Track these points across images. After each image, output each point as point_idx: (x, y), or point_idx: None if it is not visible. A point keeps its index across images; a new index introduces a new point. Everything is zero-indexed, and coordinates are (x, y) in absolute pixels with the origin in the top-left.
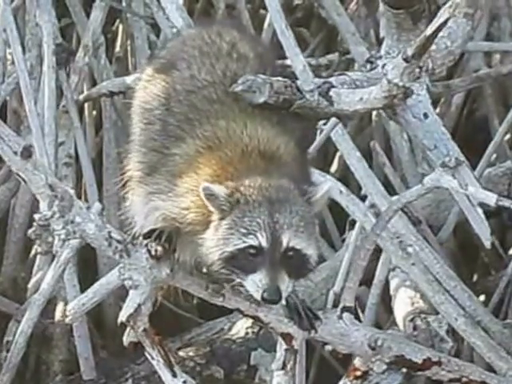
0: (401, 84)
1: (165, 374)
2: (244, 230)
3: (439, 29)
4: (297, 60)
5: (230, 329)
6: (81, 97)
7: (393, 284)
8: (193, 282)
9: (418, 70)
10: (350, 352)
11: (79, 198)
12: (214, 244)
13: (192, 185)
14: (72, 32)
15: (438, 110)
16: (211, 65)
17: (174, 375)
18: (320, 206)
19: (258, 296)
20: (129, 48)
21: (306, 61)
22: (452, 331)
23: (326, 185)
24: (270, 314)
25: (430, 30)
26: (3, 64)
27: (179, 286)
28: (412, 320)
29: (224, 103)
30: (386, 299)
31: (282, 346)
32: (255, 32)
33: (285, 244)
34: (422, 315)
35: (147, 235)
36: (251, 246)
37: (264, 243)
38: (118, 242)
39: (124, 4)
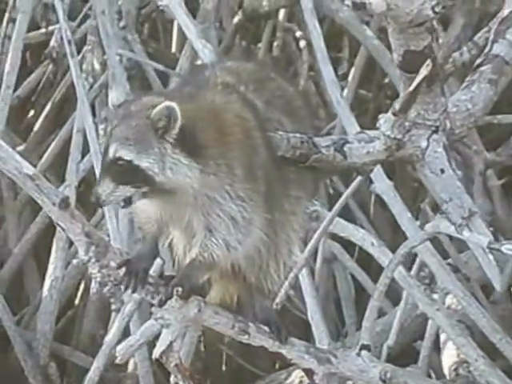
0: (392, 136)
1: None
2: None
3: (420, 85)
4: (352, 128)
5: (286, 378)
6: None
7: (442, 337)
8: (220, 320)
9: (407, 123)
10: None
11: None
12: None
13: None
14: None
15: None
16: None
17: None
18: (164, 124)
19: None
20: None
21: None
22: None
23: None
24: (292, 350)
25: (412, 87)
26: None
27: (207, 324)
28: (456, 369)
29: None
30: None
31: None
32: None
33: (111, 154)
34: (465, 364)
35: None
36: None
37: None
38: (150, 284)
39: None
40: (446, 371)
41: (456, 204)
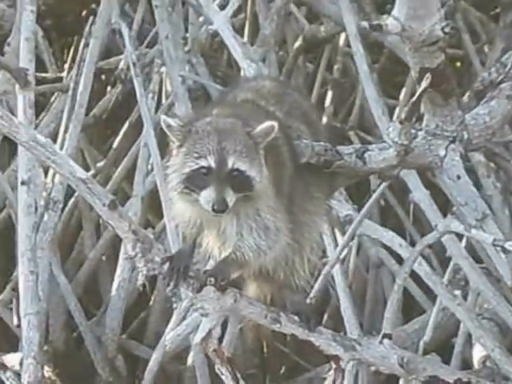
0: (399, 142)
1: None
2: (196, 155)
3: (421, 96)
4: None
5: (328, 370)
6: None
7: None
8: (254, 310)
9: (413, 130)
10: (390, 372)
11: None
12: (175, 168)
13: None
14: None
15: None
16: None
17: None
18: (262, 139)
19: (209, 208)
20: None
21: None
22: None
23: (266, 123)
24: (320, 338)
25: (414, 98)
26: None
27: (242, 313)
28: (484, 362)
29: None
30: None
31: (332, 367)
32: None
33: (230, 165)
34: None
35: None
36: (202, 167)
37: (212, 164)
38: (191, 277)
39: None
40: (475, 364)
41: (471, 207)
